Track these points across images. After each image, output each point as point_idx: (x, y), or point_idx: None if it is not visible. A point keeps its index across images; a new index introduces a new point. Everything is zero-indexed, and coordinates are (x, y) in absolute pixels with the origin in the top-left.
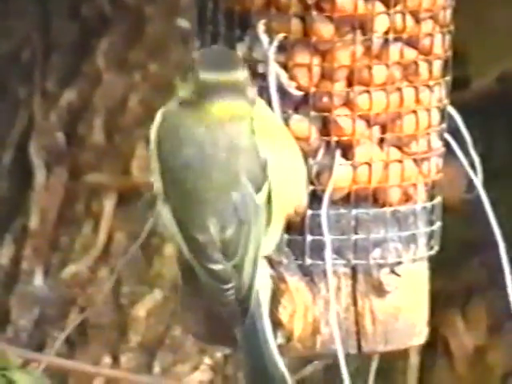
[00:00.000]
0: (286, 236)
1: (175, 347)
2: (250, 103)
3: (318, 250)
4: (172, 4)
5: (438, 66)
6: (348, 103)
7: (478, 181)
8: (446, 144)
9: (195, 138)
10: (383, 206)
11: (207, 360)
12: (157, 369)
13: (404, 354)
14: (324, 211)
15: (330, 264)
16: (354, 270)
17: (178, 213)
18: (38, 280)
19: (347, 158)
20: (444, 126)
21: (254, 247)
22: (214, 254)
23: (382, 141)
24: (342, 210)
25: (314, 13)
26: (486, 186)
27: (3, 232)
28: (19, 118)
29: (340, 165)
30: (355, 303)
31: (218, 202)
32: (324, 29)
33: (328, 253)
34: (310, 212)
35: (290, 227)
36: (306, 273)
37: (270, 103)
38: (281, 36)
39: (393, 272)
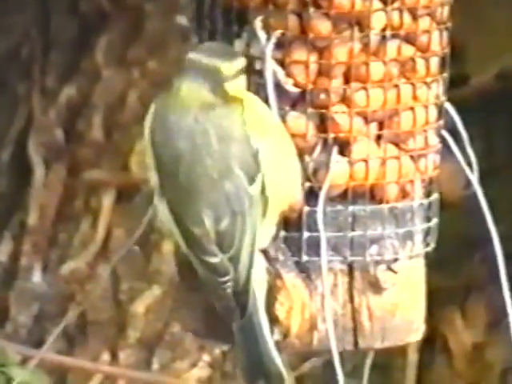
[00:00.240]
0: (282, 233)
1: (174, 344)
2: (222, 95)
3: (314, 246)
4: (171, 1)
5: (435, 62)
6: (345, 100)
7: (474, 178)
8: (444, 140)
9: (184, 129)
10: (380, 202)
11: (206, 357)
12: (155, 365)
13: (402, 351)
14: (320, 208)
15: (326, 261)
16: (350, 266)
17: (174, 206)
18: (37, 276)
19: (344, 155)
20: (441, 122)
21: (249, 239)
22: (209, 247)
23: (379, 137)
24: (339, 207)
25: (312, 10)
26: (486, 183)
27: (2, 228)
28: (18, 115)
29: (337, 162)
30: (352, 300)
31: (211, 193)
32: (321, 26)
33: (323, 249)
34: (307, 208)
35: (287, 224)
36: (303, 269)
37: (267, 100)
38: (278, 33)
39: (389, 269)
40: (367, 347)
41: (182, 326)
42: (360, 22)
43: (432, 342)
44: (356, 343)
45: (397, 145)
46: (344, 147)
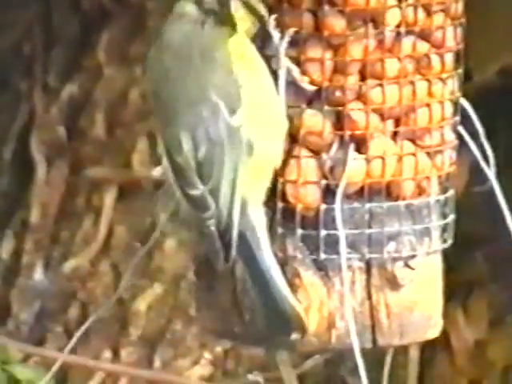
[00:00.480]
0: (300, 231)
1: (176, 341)
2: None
3: (332, 244)
4: None
5: (450, 58)
6: (361, 97)
7: (491, 173)
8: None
9: (173, 44)
10: (397, 199)
11: (207, 354)
12: (157, 363)
13: (404, 348)
14: (338, 205)
15: (345, 258)
16: (368, 263)
17: (163, 137)
18: (39, 274)
19: (361, 152)
20: (457, 118)
21: (229, 173)
22: (191, 177)
23: (395, 134)
24: (356, 204)
25: (326, 7)
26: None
27: (4, 226)
28: (20, 112)
29: (354, 159)
30: (370, 297)
31: (188, 116)
32: (336, 23)
33: (342, 247)
34: (323, 206)
35: (304, 222)
36: (321, 267)
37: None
38: (291, 31)
39: (407, 265)
40: (386, 345)
41: (202, 326)
42: (375, 19)
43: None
44: (374, 341)
45: (413, 141)
46: (360, 144)
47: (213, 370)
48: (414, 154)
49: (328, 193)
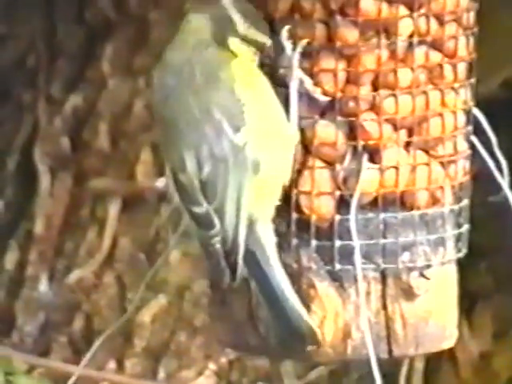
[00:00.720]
0: (314, 241)
1: (180, 353)
2: (222, 42)
3: (347, 255)
4: (177, 9)
5: (462, 68)
6: (374, 107)
7: (505, 183)
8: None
9: (175, 64)
10: (411, 209)
11: (212, 365)
12: (162, 374)
13: (409, 359)
14: (352, 216)
15: (360, 269)
16: (383, 274)
17: (168, 157)
18: (43, 285)
19: (374, 162)
20: (470, 128)
21: (234, 191)
22: (195, 196)
23: (408, 144)
24: (370, 215)
25: (339, 18)
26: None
27: (8, 237)
28: (24, 124)
29: (367, 169)
30: (385, 307)
31: (192, 135)
32: (348, 33)
33: (357, 258)
34: (338, 217)
35: (318, 233)
36: (336, 278)
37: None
38: (304, 42)
39: (422, 275)
40: (401, 355)
41: (216, 340)
42: (387, 29)
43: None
44: (390, 351)
45: (426, 151)
46: (374, 155)
47: (217, 381)
48: (427, 164)
49: (342, 203)
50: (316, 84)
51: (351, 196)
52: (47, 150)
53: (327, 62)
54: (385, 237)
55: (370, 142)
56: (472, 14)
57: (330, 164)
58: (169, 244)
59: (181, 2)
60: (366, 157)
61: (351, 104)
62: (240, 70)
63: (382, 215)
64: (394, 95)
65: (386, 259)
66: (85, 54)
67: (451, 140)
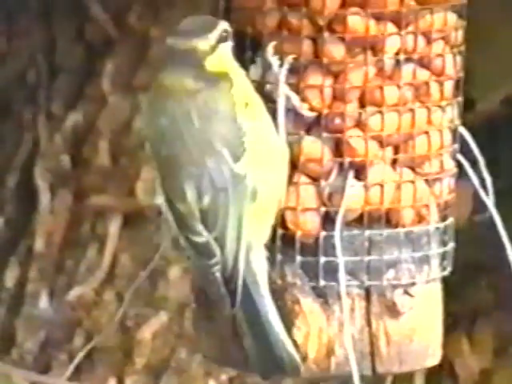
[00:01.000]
0: (299, 257)
1: (180, 370)
2: (205, 77)
3: (331, 271)
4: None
5: (449, 86)
6: (360, 124)
7: (490, 201)
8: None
9: (167, 111)
10: (396, 226)
11: (212, 382)
12: None
13: (409, 376)
14: (337, 232)
15: (344, 286)
16: (367, 291)
17: (165, 189)
18: (44, 302)
19: (360, 179)
20: (456, 146)
21: (235, 219)
22: (195, 225)
23: (394, 161)
24: (355, 231)
25: (326, 34)
26: None
27: (9, 254)
28: (24, 141)
29: (352, 186)
30: (369, 324)
31: (192, 168)
32: (335, 50)
33: (342, 274)
34: (323, 233)
35: (303, 249)
36: (320, 294)
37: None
38: (291, 58)
39: (406, 293)
40: (385, 372)
41: (197, 351)
42: (374, 46)
43: (439, 367)
44: (374, 368)
45: (412, 169)
46: (360, 171)
47: None
48: (412, 182)
49: (327, 220)
50: (303, 100)
51: (336, 212)
52: (47, 166)
53: (314, 78)
54: (370, 254)
55: (356, 159)
56: (460, 33)
57: (315, 180)
58: (169, 261)
59: (181, 18)
60: (351, 174)
61: (337, 120)
62: (241, 98)
63: (367, 232)
64: (381, 112)
65: (370, 276)
66: (85, 70)
67: (437, 158)
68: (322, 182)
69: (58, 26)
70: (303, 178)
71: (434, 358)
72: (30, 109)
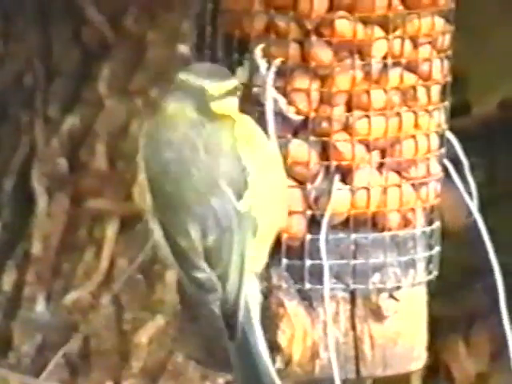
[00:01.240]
0: (285, 260)
1: (177, 373)
2: (208, 111)
3: (317, 274)
4: (173, 30)
5: (436, 91)
6: (347, 128)
7: (474, 206)
8: (447, 169)
9: (173, 142)
10: (382, 230)
11: None
12: None
13: (406, 379)
14: (323, 236)
15: (328, 289)
16: (352, 294)
17: (163, 221)
18: (41, 306)
19: (346, 183)
20: (443, 150)
21: (238, 258)
22: (197, 262)
23: (381, 165)
24: (341, 235)
25: (313, 38)
26: (487, 212)
27: (5, 258)
28: (21, 144)
29: (338, 189)
30: (354, 328)
31: (197, 207)
32: (323, 54)
33: (326, 278)
34: (309, 236)
35: (289, 252)
36: (305, 297)
37: (266, 128)
38: (278, 61)
39: (391, 297)
40: (369, 375)
41: (184, 354)
42: (361, 50)
43: (435, 371)
44: (358, 371)
45: (399, 173)
46: (346, 175)
47: None
48: (398, 186)
49: (313, 223)
50: (289, 103)
51: (322, 216)
52: (44, 170)
53: (301, 81)
54: (355, 257)
55: (343, 163)
56: (447, 37)
57: (301, 183)
58: (165, 265)
59: (178, 21)
60: (337, 177)
61: (324, 124)
62: (244, 135)
63: (353, 236)
64: (368, 116)
65: (356, 280)
66: (81, 74)
67: (424, 162)
68: (309, 186)
69: (55, 29)
70: (289, 181)
71: (418, 362)
72: (27, 112)
